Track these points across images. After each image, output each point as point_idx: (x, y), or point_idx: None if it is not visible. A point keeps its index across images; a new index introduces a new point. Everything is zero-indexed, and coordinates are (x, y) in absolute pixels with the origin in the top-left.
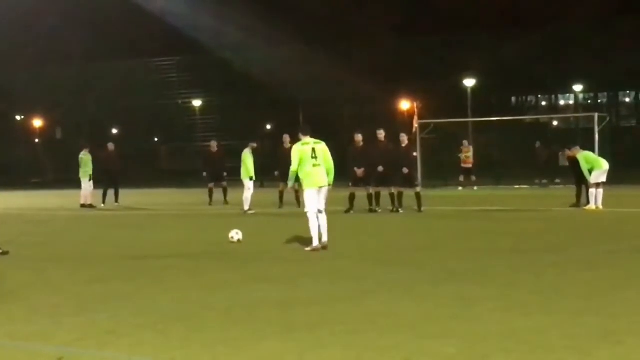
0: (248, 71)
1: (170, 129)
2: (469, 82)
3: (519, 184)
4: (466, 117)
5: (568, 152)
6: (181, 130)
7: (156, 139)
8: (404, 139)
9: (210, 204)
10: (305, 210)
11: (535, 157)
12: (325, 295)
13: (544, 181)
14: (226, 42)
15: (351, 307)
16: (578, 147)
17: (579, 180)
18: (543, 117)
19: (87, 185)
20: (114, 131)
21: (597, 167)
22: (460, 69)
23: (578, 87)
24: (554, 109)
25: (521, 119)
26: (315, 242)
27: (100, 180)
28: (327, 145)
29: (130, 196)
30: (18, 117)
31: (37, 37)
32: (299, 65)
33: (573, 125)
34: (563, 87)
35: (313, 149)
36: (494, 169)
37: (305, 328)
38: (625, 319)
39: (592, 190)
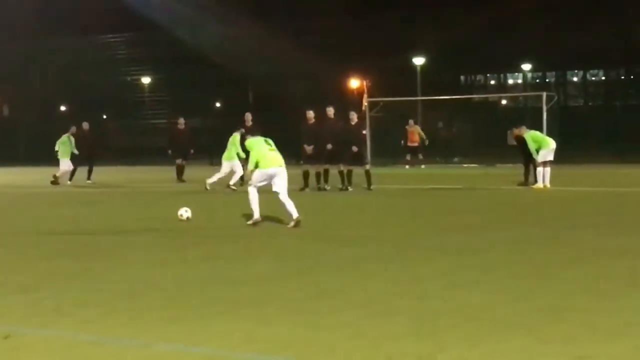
0: (198, 48)
1: (119, 106)
2: (419, 61)
3: (468, 163)
4: (415, 95)
5: (515, 131)
6: (130, 107)
7: (105, 116)
8: (354, 117)
9: (179, 180)
10: (249, 183)
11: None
12: (275, 273)
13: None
14: (177, 18)
15: (300, 285)
16: (524, 127)
17: (527, 159)
18: (492, 96)
19: (66, 164)
20: (62, 108)
21: (544, 146)
22: (410, 47)
23: (526, 67)
24: (502, 88)
25: (470, 98)
26: (256, 215)
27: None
28: (277, 123)
29: (80, 173)
30: None
31: None
32: (250, 42)
33: (522, 104)
34: (512, 66)
35: (265, 139)
36: (442, 148)
37: (253, 305)
38: (574, 296)
39: (539, 169)
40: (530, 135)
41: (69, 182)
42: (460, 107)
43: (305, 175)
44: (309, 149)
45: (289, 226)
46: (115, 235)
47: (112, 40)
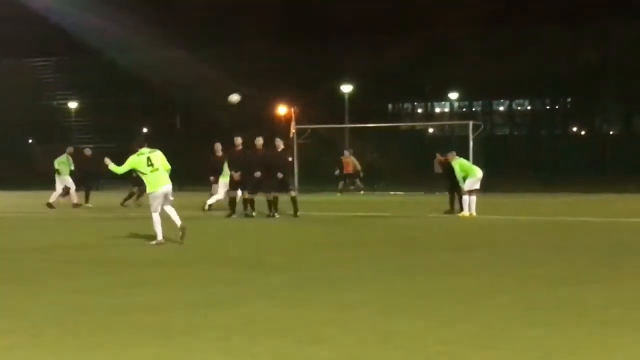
0: (126, 73)
1: (46, 130)
2: (346, 88)
3: (395, 190)
4: (343, 123)
5: (440, 158)
6: (56, 132)
7: (30, 141)
8: (279, 143)
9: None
10: (152, 211)
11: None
12: (200, 301)
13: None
14: (106, 42)
15: (226, 313)
16: (454, 153)
17: (453, 186)
18: (419, 125)
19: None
20: None
21: (471, 175)
22: (338, 74)
23: (454, 95)
24: (430, 116)
25: (397, 126)
26: (159, 237)
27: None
28: (205, 149)
29: (5, 198)
30: None
31: None
32: (178, 67)
33: (448, 132)
34: (439, 94)
35: (148, 158)
36: (370, 175)
37: (179, 333)
38: (499, 324)
39: (465, 197)
40: (459, 163)
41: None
42: (388, 135)
43: (232, 202)
44: (236, 175)
45: (152, 243)
46: (40, 262)
47: (39, 63)
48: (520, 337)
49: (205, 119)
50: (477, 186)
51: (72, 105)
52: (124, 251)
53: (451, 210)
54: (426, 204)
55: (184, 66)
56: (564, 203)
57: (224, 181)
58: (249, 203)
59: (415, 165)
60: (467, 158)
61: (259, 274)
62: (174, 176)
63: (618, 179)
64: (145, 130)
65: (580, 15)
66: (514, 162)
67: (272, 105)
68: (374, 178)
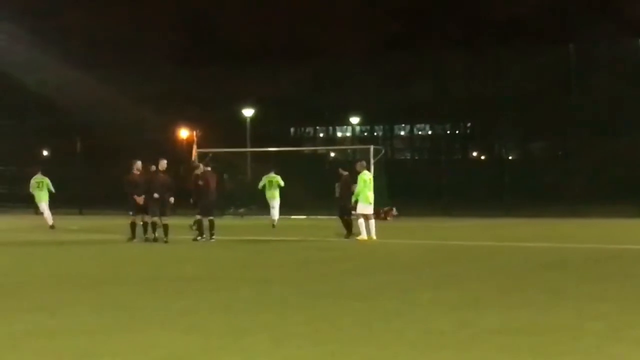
0: (24, 95)
1: None
2: (248, 112)
3: (295, 214)
4: (245, 146)
5: (342, 172)
6: None
7: None
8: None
9: None
10: None
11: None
12: (95, 325)
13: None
14: (5, 63)
15: (120, 338)
16: (364, 163)
17: (346, 210)
18: (320, 149)
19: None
20: None
21: (364, 199)
22: (240, 98)
23: (355, 120)
24: (331, 140)
25: (299, 150)
26: None
27: None
28: (106, 172)
29: None
30: None
31: None
32: (78, 90)
33: (351, 157)
34: (340, 119)
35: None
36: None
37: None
38: (395, 348)
39: (360, 221)
40: (363, 179)
41: None
42: (289, 159)
43: (133, 226)
44: (139, 199)
45: None
46: None
47: None
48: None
49: (106, 142)
50: (370, 211)
51: None
52: (13, 276)
53: (349, 234)
54: (327, 228)
55: (84, 88)
56: (463, 227)
57: None
58: (150, 226)
59: (318, 189)
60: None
61: (154, 299)
62: (74, 199)
63: (516, 203)
64: (45, 152)
65: (476, 41)
66: (415, 186)
67: (174, 128)
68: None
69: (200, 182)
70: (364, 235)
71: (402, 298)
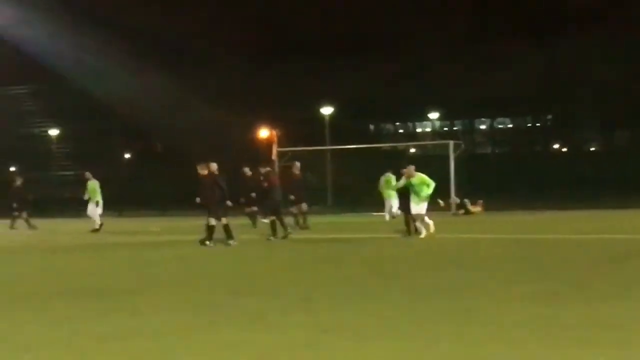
0: (106, 100)
1: (27, 158)
2: (327, 111)
3: (376, 211)
4: (324, 144)
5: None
6: (37, 160)
7: (12, 168)
8: (247, 171)
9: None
10: None
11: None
12: (179, 325)
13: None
14: (83, 70)
15: (204, 337)
16: (412, 168)
17: (408, 206)
18: (399, 145)
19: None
20: None
21: (423, 198)
22: (319, 97)
23: (434, 115)
24: (411, 136)
25: (378, 147)
26: None
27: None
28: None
29: None
30: None
31: None
32: (156, 93)
33: (431, 152)
34: (420, 114)
35: None
36: (350, 196)
37: (157, 359)
38: (480, 343)
39: (426, 219)
40: (421, 178)
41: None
42: (369, 156)
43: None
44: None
45: None
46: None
47: (18, 91)
48: (501, 355)
49: (186, 143)
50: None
51: (53, 132)
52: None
53: (408, 232)
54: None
55: (163, 90)
56: (543, 220)
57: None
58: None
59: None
60: (447, 177)
61: (236, 298)
62: (156, 200)
63: (598, 194)
64: (127, 155)
65: (554, 31)
66: (496, 180)
67: (254, 129)
68: (344, 198)
69: (265, 183)
70: (422, 233)
71: (481, 293)
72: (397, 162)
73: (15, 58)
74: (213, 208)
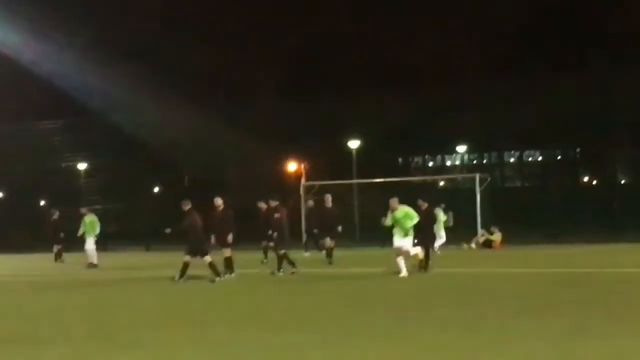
0: (134, 133)
1: (56, 192)
2: (354, 144)
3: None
4: (351, 178)
5: (422, 204)
6: (65, 194)
7: (43, 202)
8: (262, 205)
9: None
10: None
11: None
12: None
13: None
14: (113, 103)
15: None
16: (395, 200)
17: (429, 238)
18: (426, 178)
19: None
20: None
21: (407, 229)
22: (346, 130)
23: (463, 148)
24: (440, 169)
25: (405, 180)
26: None
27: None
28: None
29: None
30: None
31: None
32: (185, 126)
33: (459, 185)
34: (449, 147)
35: None
36: (377, 230)
37: None
38: None
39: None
40: (405, 211)
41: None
42: (397, 189)
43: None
44: (229, 237)
45: None
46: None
47: (47, 126)
48: None
49: (213, 177)
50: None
51: (81, 166)
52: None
53: (426, 266)
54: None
55: (191, 126)
56: (571, 254)
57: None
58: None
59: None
60: (474, 210)
61: (262, 334)
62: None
63: (628, 228)
64: (156, 189)
65: (585, 62)
66: (524, 213)
67: (281, 162)
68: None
69: (277, 215)
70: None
71: (506, 327)
72: (427, 195)
73: (45, 92)
74: (224, 241)
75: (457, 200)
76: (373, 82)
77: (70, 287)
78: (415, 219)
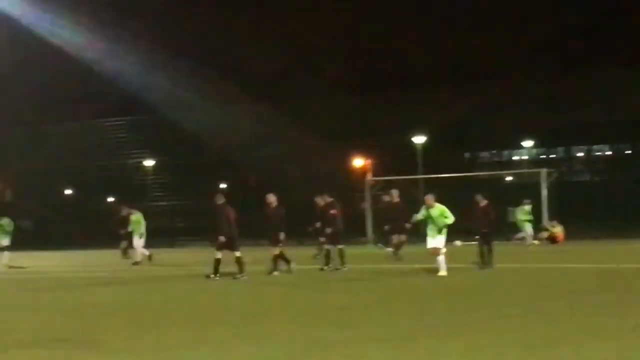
0: (199, 131)
1: (122, 189)
2: (419, 139)
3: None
4: (416, 174)
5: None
6: (133, 191)
7: (110, 199)
8: (319, 200)
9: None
10: None
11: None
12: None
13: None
14: (177, 102)
15: None
16: (431, 197)
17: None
18: (491, 173)
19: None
20: (67, 192)
21: (441, 228)
22: (412, 125)
23: (529, 143)
24: (507, 164)
25: (471, 176)
26: None
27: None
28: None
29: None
30: None
31: None
32: (249, 123)
33: (526, 180)
34: (515, 142)
35: None
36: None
37: None
38: None
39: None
40: (440, 210)
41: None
42: (462, 185)
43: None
44: (281, 235)
45: None
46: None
47: (114, 123)
48: None
49: (278, 174)
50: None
51: (148, 163)
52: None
53: (482, 262)
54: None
55: (255, 122)
56: (637, 250)
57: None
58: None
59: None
60: (539, 205)
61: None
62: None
63: None
64: (222, 185)
65: None
66: (591, 208)
67: (346, 158)
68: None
69: (333, 211)
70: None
71: (562, 324)
72: (494, 191)
73: (110, 91)
74: (275, 239)
75: (524, 195)
76: (439, 78)
77: (134, 282)
78: (450, 219)
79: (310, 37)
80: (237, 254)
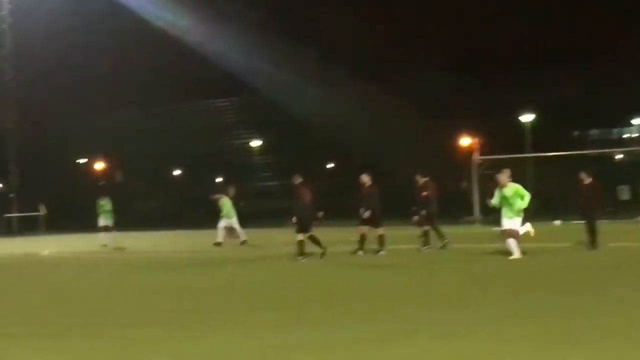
0: (303, 111)
1: (229, 169)
2: (527, 118)
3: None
4: (523, 152)
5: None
6: (239, 171)
7: (219, 179)
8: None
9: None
10: None
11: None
12: (366, 337)
13: None
14: (282, 83)
15: (389, 347)
16: (505, 175)
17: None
18: (601, 151)
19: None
20: (176, 172)
21: (516, 209)
22: (520, 104)
23: (638, 121)
24: (617, 142)
25: (581, 154)
26: None
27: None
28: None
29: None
30: (80, 161)
31: (97, 82)
32: (356, 104)
33: (638, 158)
34: (626, 119)
35: None
36: (552, 204)
37: None
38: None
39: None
40: (515, 189)
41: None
42: (572, 163)
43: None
44: (366, 213)
45: None
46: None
47: (220, 104)
48: None
49: (382, 153)
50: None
51: (255, 143)
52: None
53: (593, 243)
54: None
55: (361, 103)
56: None
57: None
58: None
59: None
60: None
61: (418, 310)
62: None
63: None
64: (330, 165)
65: None
66: None
67: (452, 137)
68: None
69: (426, 192)
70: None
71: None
72: (604, 169)
73: (213, 73)
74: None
75: (635, 173)
76: (547, 56)
77: (231, 263)
78: (526, 197)
79: (418, 16)
80: (301, 237)
